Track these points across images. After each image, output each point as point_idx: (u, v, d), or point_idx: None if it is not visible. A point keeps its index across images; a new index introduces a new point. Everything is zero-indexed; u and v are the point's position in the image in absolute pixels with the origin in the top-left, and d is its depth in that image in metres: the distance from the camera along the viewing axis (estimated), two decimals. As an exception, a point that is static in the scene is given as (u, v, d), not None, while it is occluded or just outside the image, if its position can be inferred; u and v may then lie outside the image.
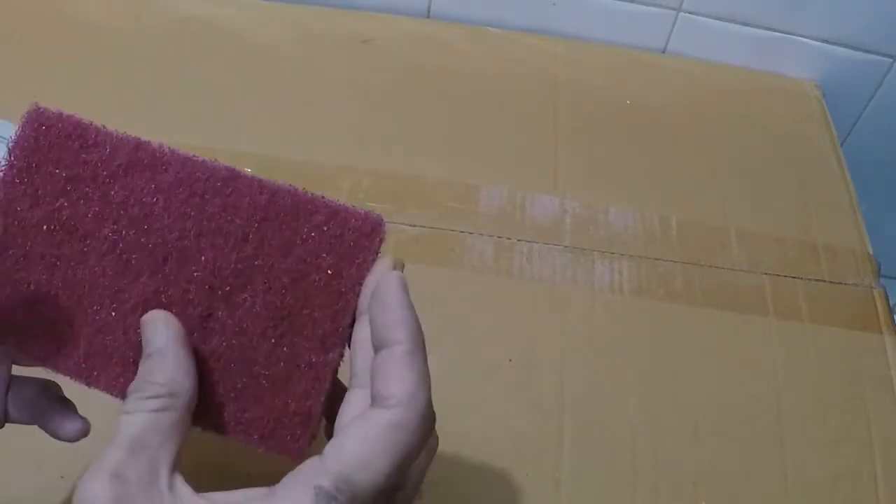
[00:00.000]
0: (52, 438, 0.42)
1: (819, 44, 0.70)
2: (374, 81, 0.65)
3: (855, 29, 0.69)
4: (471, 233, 0.56)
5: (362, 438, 0.26)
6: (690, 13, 0.70)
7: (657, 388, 0.50)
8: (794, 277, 0.57)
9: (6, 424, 0.33)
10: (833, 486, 0.47)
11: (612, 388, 0.50)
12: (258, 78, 0.64)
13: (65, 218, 0.31)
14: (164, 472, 0.26)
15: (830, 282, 0.57)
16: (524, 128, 0.64)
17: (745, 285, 0.56)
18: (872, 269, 0.58)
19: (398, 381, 0.27)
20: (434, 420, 0.28)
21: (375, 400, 0.27)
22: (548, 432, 0.47)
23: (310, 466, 0.26)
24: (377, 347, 0.28)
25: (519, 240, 0.56)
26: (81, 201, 0.31)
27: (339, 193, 0.57)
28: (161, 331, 0.29)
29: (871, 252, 0.59)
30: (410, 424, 0.26)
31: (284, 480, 0.27)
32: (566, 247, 0.56)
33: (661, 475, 0.47)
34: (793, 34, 0.70)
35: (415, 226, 0.56)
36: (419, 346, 0.28)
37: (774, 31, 0.70)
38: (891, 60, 0.70)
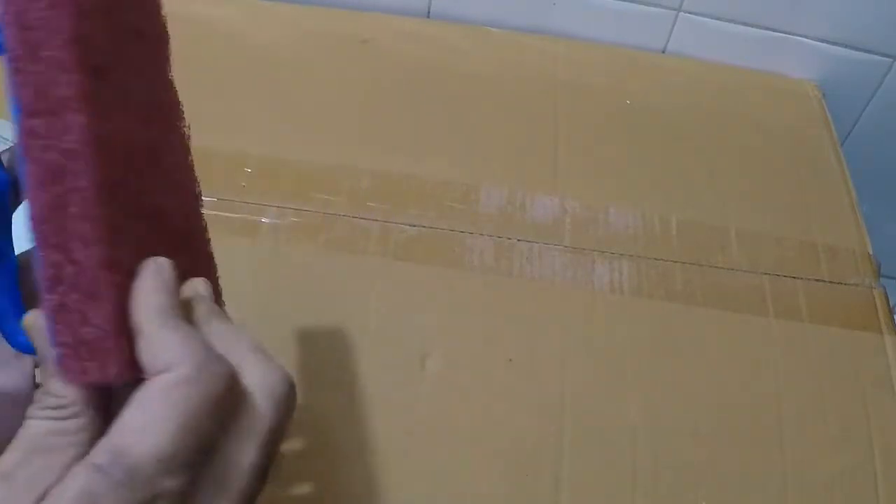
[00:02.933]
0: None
1: (819, 44, 0.70)
2: (374, 81, 0.65)
3: (855, 29, 0.69)
4: (471, 233, 0.56)
5: (137, 405, 0.24)
6: (690, 13, 0.70)
7: (657, 388, 0.50)
8: (793, 277, 0.57)
9: None
10: (833, 486, 0.47)
11: (612, 388, 0.50)
12: (258, 78, 0.64)
13: None
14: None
15: (830, 282, 0.57)
16: (524, 128, 0.64)
17: (745, 285, 0.56)
18: (872, 269, 0.58)
19: (163, 348, 0.25)
20: (231, 381, 0.26)
21: (149, 374, 0.25)
22: (548, 432, 0.47)
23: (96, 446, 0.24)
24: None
25: (519, 240, 0.56)
26: None
27: (339, 193, 0.57)
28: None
29: (871, 252, 0.59)
30: (189, 380, 0.24)
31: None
32: (566, 247, 0.56)
33: (661, 475, 0.47)
34: (793, 34, 0.70)
35: (415, 226, 0.56)
36: (171, 314, 0.26)
37: (774, 31, 0.70)
38: (891, 60, 0.70)
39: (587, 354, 0.51)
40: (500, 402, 0.48)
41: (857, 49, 0.70)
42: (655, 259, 0.57)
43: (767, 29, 0.70)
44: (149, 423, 0.24)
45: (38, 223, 0.26)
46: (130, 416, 0.24)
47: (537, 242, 0.56)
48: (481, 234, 0.56)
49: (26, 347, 0.28)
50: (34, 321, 0.26)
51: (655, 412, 0.49)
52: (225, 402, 0.25)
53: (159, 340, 0.25)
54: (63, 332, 0.25)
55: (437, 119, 0.63)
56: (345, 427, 0.46)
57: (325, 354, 0.49)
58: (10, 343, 0.29)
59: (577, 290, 0.54)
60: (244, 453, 0.25)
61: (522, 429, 0.47)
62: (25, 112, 0.26)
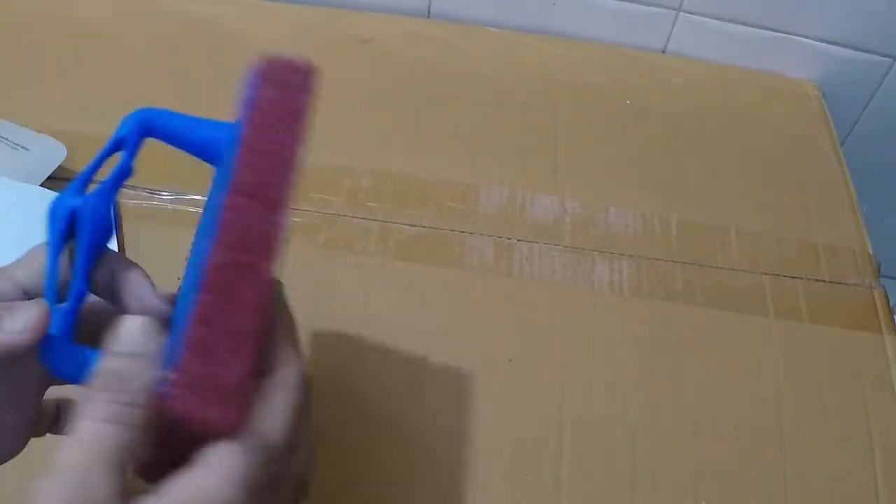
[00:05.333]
0: (51, 438, 0.42)
1: (819, 44, 0.70)
2: (374, 81, 0.65)
3: (855, 29, 0.69)
4: (471, 233, 0.56)
5: (261, 400, 0.28)
6: (690, 13, 0.70)
7: (657, 388, 0.50)
8: (793, 277, 0.57)
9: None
10: (833, 486, 0.47)
11: (612, 388, 0.50)
12: (258, 78, 0.64)
13: None
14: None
15: (830, 282, 0.57)
16: (524, 128, 0.64)
17: (745, 285, 0.56)
18: (872, 269, 0.58)
19: (275, 355, 0.30)
20: (311, 388, 0.31)
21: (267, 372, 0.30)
22: (548, 432, 0.47)
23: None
24: None
25: (519, 240, 0.56)
26: None
27: (339, 193, 0.57)
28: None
29: (871, 252, 0.59)
30: (296, 384, 0.29)
31: (203, 452, 0.27)
32: (566, 247, 0.56)
33: (661, 475, 0.47)
34: (793, 34, 0.70)
35: (415, 226, 0.56)
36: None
37: (774, 31, 0.70)
38: (891, 60, 0.70)
39: (587, 354, 0.51)
40: (500, 402, 0.48)
41: (857, 49, 0.70)
42: (655, 259, 0.57)
43: (767, 29, 0.70)
44: (272, 415, 0.28)
45: (212, 274, 0.28)
46: (256, 408, 0.28)
47: (537, 242, 0.56)
48: (481, 234, 0.56)
49: (68, 376, 0.29)
50: (145, 327, 0.28)
51: (655, 412, 0.49)
52: (307, 392, 0.30)
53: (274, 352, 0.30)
54: (193, 363, 0.27)
55: (437, 119, 0.63)
56: (344, 427, 0.46)
57: (324, 354, 0.49)
58: (52, 367, 0.29)
59: (577, 290, 0.54)
60: (309, 436, 0.31)
61: (522, 429, 0.47)
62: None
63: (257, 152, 0.32)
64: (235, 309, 0.28)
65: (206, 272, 0.29)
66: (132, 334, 0.28)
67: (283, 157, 0.32)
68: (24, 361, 0.30)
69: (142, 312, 0.30)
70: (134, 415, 0.26)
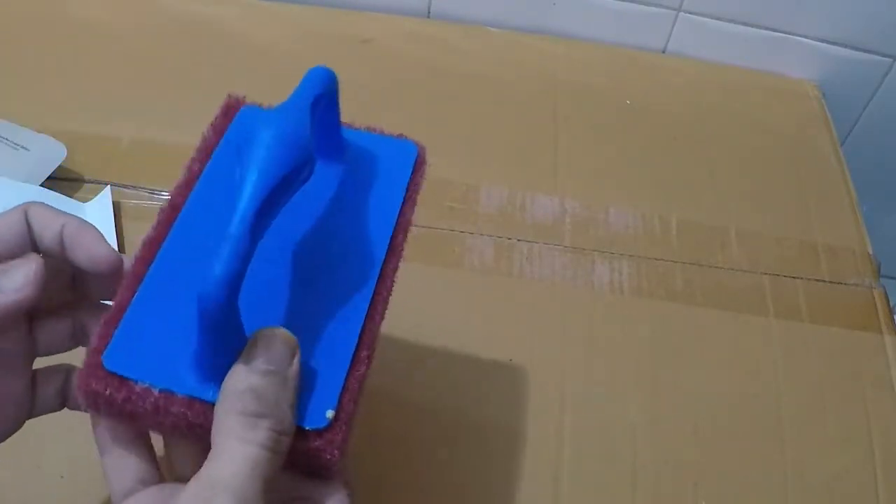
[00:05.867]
0: (52, 438, 0.42)
1: (819, 44, 0.70)
2: (374, 81, 0.65)
3: (855, 29, 0.69)
4: (471, 233, 0.56)
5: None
6: (690, 13, 0.70)
7: (657, 388, 0.50)
8: (793, 277, 0.57)
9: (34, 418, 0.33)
10: (833, 486, 0.47)
11: (612, 388, 0.50)
12: (258, 78, 0.64)
13: None
14: None
15: (830, 282, 0.57)
16: (524, 128, 0.64)
17: (745, 285, 0.56)
18: (872, 269, 0.58)
19: None
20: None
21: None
22: (548, 432, 0.47)
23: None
24: None
25: (519, 240, 0.56)
26: None
27: (339, 193, 0.57)
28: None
29: (871, 252, 0.59)
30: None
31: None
32: (566, 247, 0.56)
33: (661, 475, 0.47)
34: (793, 34, 0.70)
35: (415, 226, 0.56)
36: None
37: (774, 31, 0.70)
38: (891, 60, 0.70)
39: (587, 354, 0.51)
40: (500, 402, 0.48)
41: (857, 49, 0.70)
42: (655, 259, 0.57)
43: (767, 29, 0.70)
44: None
45: (372, 329, 0.32)
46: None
47: (537, 242, 0.56)
48: (481, 234, 0.56)
49: (202, 392, 0.28)
50: (292, 346, 0.28)
51: (655, 412, 0.49)
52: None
53: None
54: (346, 413, 0.29)
55: (436, 119, 0.63)
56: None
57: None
58: (183, 386, 0.28)
59: (577, 290, 0.54)
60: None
61: (522, 429, 0.47)
62: None
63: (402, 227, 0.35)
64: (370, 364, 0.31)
65: (368, 327, 0.31)
66: (281, 353, 0.27)
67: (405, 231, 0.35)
68: (9, 328, 0.30)
69: (92, 266, 0.30)
70: (285, 444, 0.27)
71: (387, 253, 0.33)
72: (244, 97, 0.37)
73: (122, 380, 0.28)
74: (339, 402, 0.29)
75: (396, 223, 0.35)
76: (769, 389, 0.51)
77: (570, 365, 0.50)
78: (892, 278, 0.80)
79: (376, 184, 0.36)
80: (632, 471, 0.47)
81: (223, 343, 0.27)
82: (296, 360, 0.28)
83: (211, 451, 0.26)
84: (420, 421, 0.47)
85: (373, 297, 0.32)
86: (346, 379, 0.29)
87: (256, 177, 0.27)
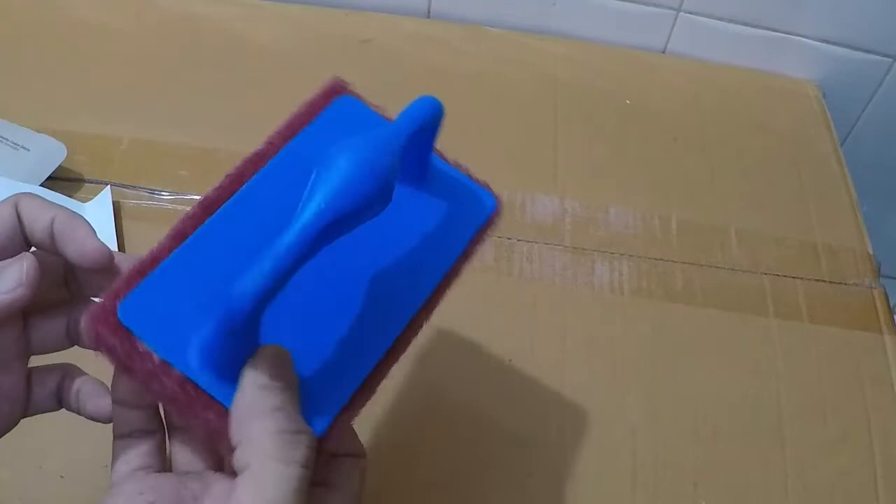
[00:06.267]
0: (52, 438, 0.42)
1: (819, 44, 0.70)
2: (374, 81, 0.65)
3: (855, 29, 0.69)
4: (471, 233, 0.56)
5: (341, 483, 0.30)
6: (690, 13, 0.70)
7: (657, 388, 0.50)
8: (794, 277, 0.57)
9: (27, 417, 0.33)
10: (833, 486, 0.47)
11: (612, 388, 0.50)
12: (258, 78, 0.64)
13: None
14: None
15: (830, 282, 0.57)
16: (524, 128, 0.64)
17: (745, 285, 0.56)
18: (872, 269, 0.58)
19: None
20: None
21: None
22: (548, 432, 0.47)
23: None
24: None
25: (519, 240, 0.56)
26: None
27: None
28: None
29: (871, 252, 0.59)
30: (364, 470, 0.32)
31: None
32: (566, 247, 0.56)
33: (661, 475, 0.47)
34: (793, 34, 0.70)
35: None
36: None
37: (774, 31, 0.70)
38: (891, 60, 0.70)
39: (587, 354, 0.51)
40: (501, 402, 0.48)
41: (857, 49, 0.70)
42: (655, 259, 0.57)
43: (767, 29, 0.70)
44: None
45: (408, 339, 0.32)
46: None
47: (537, 242, 0.56)
48: (481, 234, 0.56)
49: (198, 376, 0.28)
50: (286, 358, 0.28)
51: (655, 411, 0.49)
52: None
53: None
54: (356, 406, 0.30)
55: (437, 119, 0.63)
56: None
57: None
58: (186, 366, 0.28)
59: (577, 290, 0.54)
60: None
61: (523, 429, 0.47)
62: None
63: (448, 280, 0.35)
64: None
65: (407, 336, 0.32)
66: (288, 369, 0.28)
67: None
68: (2, 326, 0.29)
69: (81, 260, 0.29)
70: (315, 460, 0.27)
71: (424, 303, 0.33)
72: (351, 85, 0.37)
73: (130, 334, 0.28)
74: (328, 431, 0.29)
75: (445, 274, 0.34)
76: (769, 389, 0.51)
77: (570, 365, 0.50)
78: (892, 278, 0.80)
79: (444, 227, 0.35)
80: (631, 471, 0.47)
81: (236, 344, 0.27)
82: (296, 377, 0.28)
83: (244, 473, 0.25)
84: (419, 420, 0.47)
85: (392, 346, 0.32)
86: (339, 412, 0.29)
87: (320, 206, 0.26)
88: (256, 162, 0.33)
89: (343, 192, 0.26)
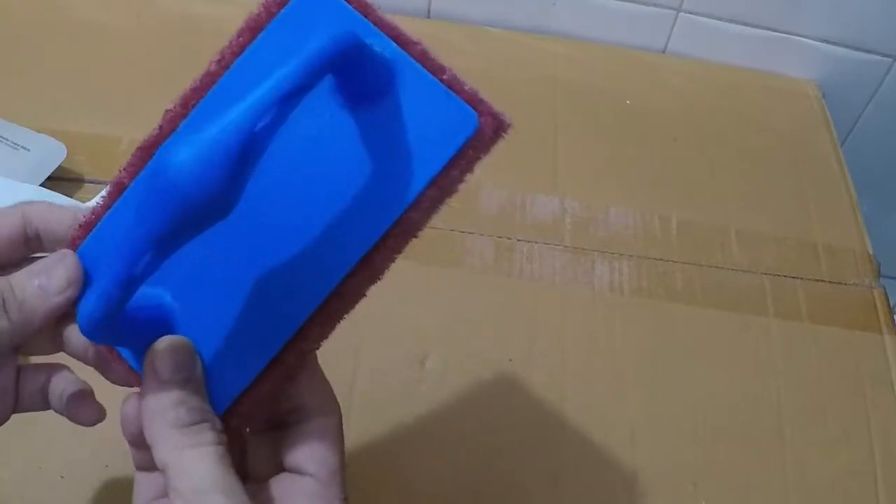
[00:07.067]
0: (52, 438, 0.42)
1: (819, 44, 0.70)
2: (374, 81, 0.65)
3: (855, 29, 0.69)
4: (471, 233, 0.56)
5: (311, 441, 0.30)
6: (690, 13, 0.70)
7: (657, 388, 0.50)
8: (794, 277, 0.57)
9: (14, 416, 0.32)
10: (833, 486, 0.47)
11: (612, 388, 0.50)
12: (258, 78, 0.64)
13: None
14: None
15: (830, 282, 0.57)
16: (524, 128, 0.64)
17: (745, 285, 0.56)
18: (872, 269, 0.58)
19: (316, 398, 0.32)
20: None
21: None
22: (548, 432, 0.47)
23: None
24: None
25: (519, 240, 0.56)
26: None
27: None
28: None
29: (871, 252, 0.59)
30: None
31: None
32: (566, 247, 0.56)
33: (661, 475, 0.47)
34: (793, 34, 0.70)
35: (415, 226, 0.56)
36: None
37: (774, 31, 0.70)
38: (891, 60, 0.70)
39: (587, 354, 0.51)
40: (500, 402, 0.48)
41: (857, 49, 0.70)
42: (655, 259, 0.57)
43: (767, 29, 0.70)
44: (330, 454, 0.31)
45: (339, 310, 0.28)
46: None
47: (537, 242, 0.56)
48: (481, 234, 0.56)
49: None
50: (191, 351, 0.28)
51: (655, 412, 0.49)
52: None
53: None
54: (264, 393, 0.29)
55: (437, 119, 0.63)
56: (343, 427, 0.46)
57: (323, 355, 0.49)
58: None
59: (577, 290, 0.54)
60: None
61: (522, 429, 0.47)
62: None
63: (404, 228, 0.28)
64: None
65: (346, 295, 0.27)
66: (186, 359, 0.28)
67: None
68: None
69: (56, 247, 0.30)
70: (225, 438, 0.27)
71: (365, 257, 0.27)
72: None
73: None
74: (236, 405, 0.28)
75: (398, 220, 0.28)
76: (769, 389, 0.51)
77: (570, 365, 0.50)
78: (892, 278, 0.80)
79: (398, 162, 0.27)
80: (632, 471, 0.47)
81: (126, 320, 0.27)
82: (198, 361, 0.28)
83: (168, 470, 0.26)
84: (419, 421, 0.47)
85: (323, 307, 0.27)
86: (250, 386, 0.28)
87: (161, 216, 0.24)
88: (199, 91, 0.30)
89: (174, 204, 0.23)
